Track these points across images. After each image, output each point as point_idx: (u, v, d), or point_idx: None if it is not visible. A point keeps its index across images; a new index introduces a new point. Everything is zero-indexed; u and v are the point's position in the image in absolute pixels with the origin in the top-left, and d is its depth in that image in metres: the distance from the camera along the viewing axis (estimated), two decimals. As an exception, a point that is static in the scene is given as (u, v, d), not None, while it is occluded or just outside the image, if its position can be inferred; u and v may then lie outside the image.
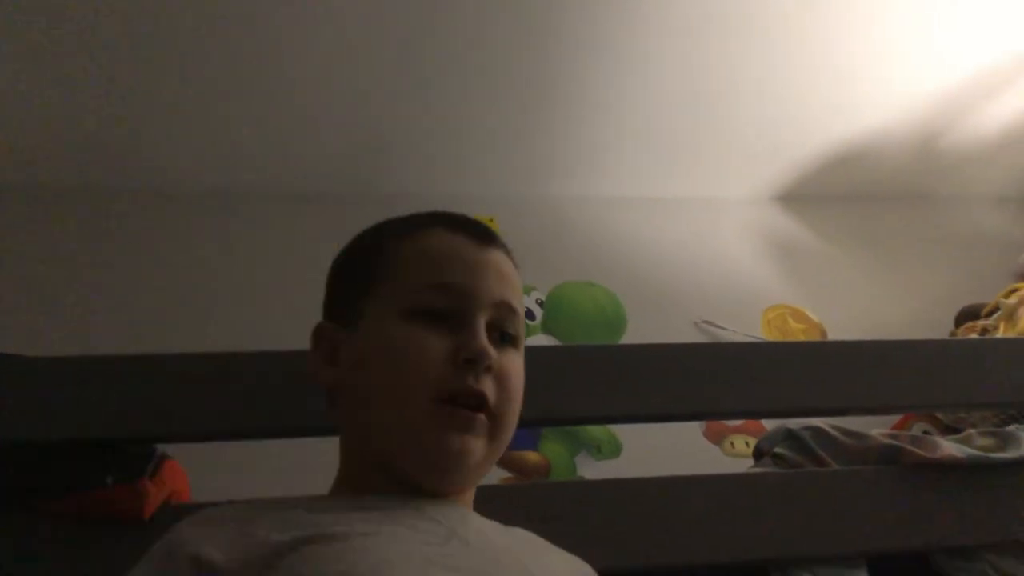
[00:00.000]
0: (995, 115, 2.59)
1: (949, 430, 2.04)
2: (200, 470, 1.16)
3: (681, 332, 2.42)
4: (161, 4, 1.94)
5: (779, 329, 2.50)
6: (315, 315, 0.89)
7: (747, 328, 2.47)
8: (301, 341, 0.90)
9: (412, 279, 0.82)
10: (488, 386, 0.78)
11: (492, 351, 0.78)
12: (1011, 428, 1.25)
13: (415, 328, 0.78)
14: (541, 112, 2.38)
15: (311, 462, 1.00)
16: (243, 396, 1.02)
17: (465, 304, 0.80)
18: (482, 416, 0.77)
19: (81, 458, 0.96)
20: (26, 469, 0.96)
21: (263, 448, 1.12)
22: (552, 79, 2.28)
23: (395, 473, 0.78)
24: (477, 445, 0.77)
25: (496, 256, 0.85)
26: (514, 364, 0.82)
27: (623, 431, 2.22)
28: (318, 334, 0.86)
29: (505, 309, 0.83)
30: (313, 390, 0.88)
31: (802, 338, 2.43)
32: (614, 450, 2.23)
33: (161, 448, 1.03)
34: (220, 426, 1.02)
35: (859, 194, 2.82)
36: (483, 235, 0.86)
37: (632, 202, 2.69)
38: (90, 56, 2.04)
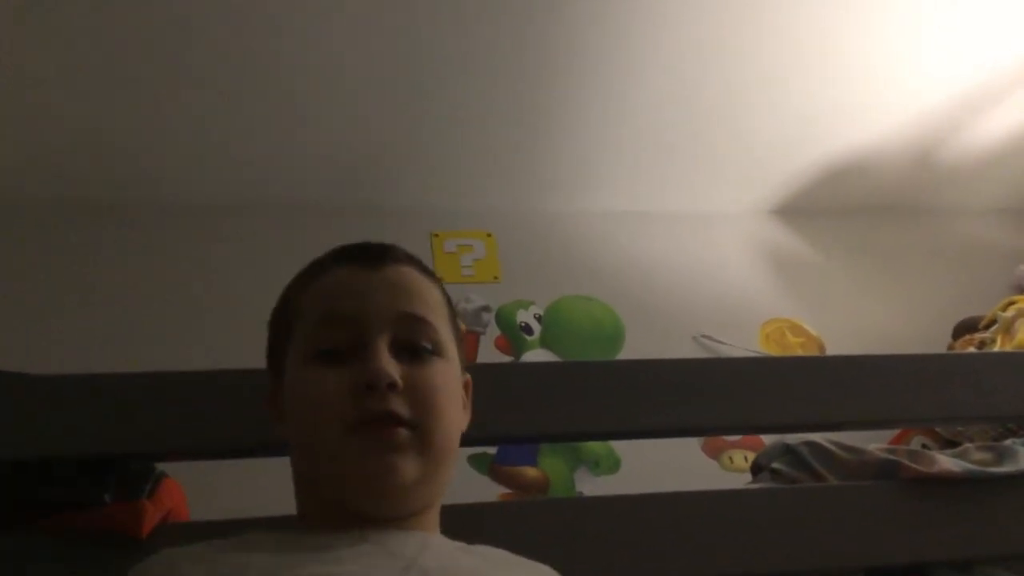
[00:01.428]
0: (991, 127, 2.60)
1: (948, 444, 2.04)
2: (199, 488, 1.16)
3: (679, 346, 2.42)
4: (157, 19, 1.95)
5: (777, 343, 2.50)
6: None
7: (746, 342, 2.47)
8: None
9: (308, 323, 0.83)
10: (397, 403, 0.77)
11: (388, 370, 0.77)
12: (1008, 442, 1.25)
13: (316, 370, 0.79)
14: (538, 127, 2.39)
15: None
16: (242, 414, 1.02)
17: (358, 331, 0.80)
18: (401, 430, 0.76)
19: (80, 476, 0.96)
20: (25, 487, 0.96)
21: (262, 466, 1.11)
22: (549, 94, 2.29)
23: (344, 509, 0.77)
24: (404, 461, 0.76)
25: (391, 273, 0.84)
26: (431, 375, 0.81)
27: (622, 446, 2.22)
28: (267, 402, 0.88)
29: (408, 321, 0.82)
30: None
31: (800, 352, 2.43)
32: (613, 465, 2.23)
33: (159, 466, 1.03)
34: (219, 444, 1.02)
35: (856, 207, 2.82)
36: (374, 257, 0.85)
37: (630, 216, 2.69)
38: (85, 72, 2.05)
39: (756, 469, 1.30)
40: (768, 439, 1.79)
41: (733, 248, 2.72)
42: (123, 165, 2.32)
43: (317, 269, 0.87)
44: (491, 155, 2.47)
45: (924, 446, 2.12)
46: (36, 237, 2.31)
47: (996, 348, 2.26)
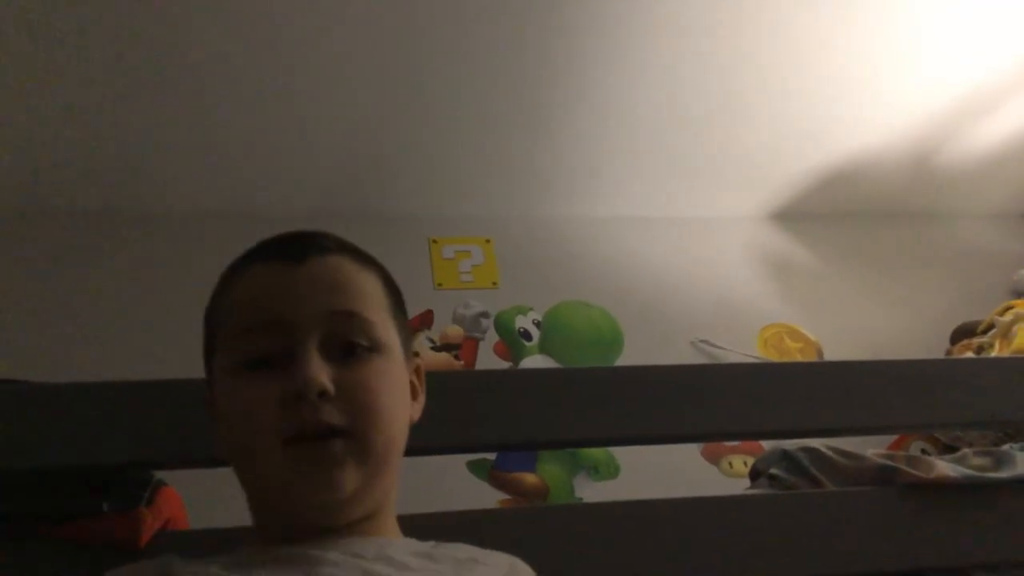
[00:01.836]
0: (989, 132, 2.60)
1: (947, 448, 2.05)
2: (198, 496, 1.16)
3: (678, 351, 2.42)
4: (156, 26, 1.96)
5: (776, 347, 2.50)
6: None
7: (744, 347, 2.48)
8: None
9: (233, 329, 0.79)
10: (329, 412, 0.73)
11: (318, 378, 0.73)
12: (1006, 447, 1.25)
13: (245, 381, 0.76)
14: (537, 132, 2.40)
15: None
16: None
17: (285, 336, 0.75)
18: (335, 441, 0.73)
19: (78, 485, 0.96)
20: (23, 496, 0.96)
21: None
22: (547, 99, 2.30)
23: (292, 520, 0.76)
24: (342, 475, 0.73)
25: (317, 266, 0.79)
26: (367, 376, 0.76)
27: (621, 451, 2.22)
28: (206, 406, 0.84)
29: (340, 318, 0.77)
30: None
31: (799, 356, 2.43)
32: (612, 471, 2.23)
33: (158, 474, 1.03)
34: (219, 452, 1.02)
35: (854, 212, 2.83)
36: (297, 250, 0.80)
37: (628, 222, 2.70)
38: (86, 80, 2.05)
39: (754, 475, 1.29)
40: (767, 444, 1.80)
41: (732, 253, 2.73)
42: (122, 172, 2.32)
43: (239, 267, 0.83)
44: (489, 161, 2.47)
45: (923, 451, 2.13)
46: (36, 245, 2.31)
47: (994, 353, 2.26)
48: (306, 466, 0.73)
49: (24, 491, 0.96)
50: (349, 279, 0.80)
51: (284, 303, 0.77)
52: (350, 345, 0.77)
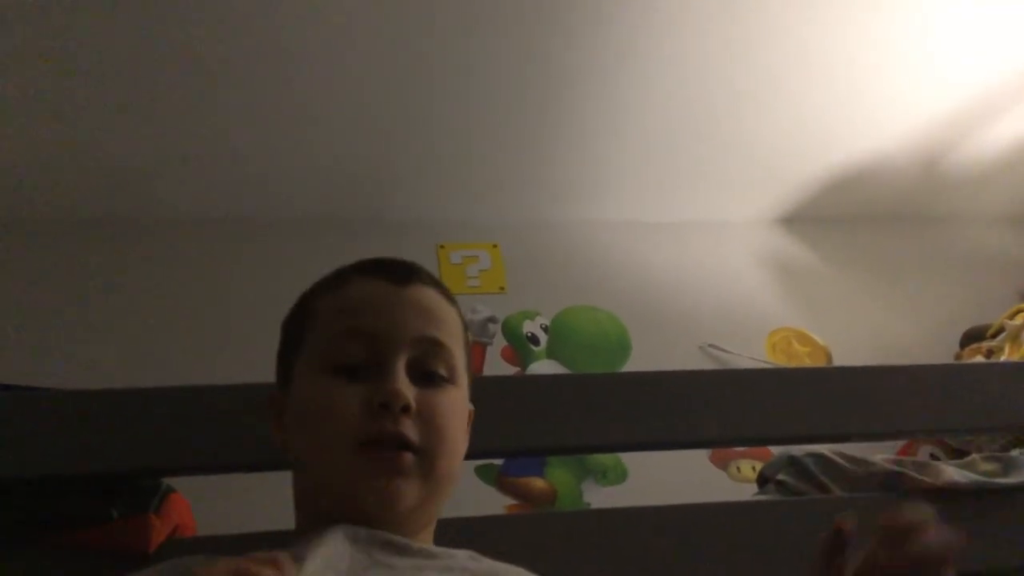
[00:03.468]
0: (998, 135, 2.60)
1: (957, 453, 2.04)
2: (206, 503, 1.17)
3: (686, 356, 2.42)
4: (166, 36, 1.97)
5: (784, 352, 2.50)
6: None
7: (752, 352, 2.47)
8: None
9: (328, 331, 0.83)
10: (408, 427, 0.77)
11: (405, 393, 0.77)
12: (1014, 453, 1.25)
13: (332, 382, 0.79)
14: (543, 138, 2.40)
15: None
16: (249, 428, 1.02)
17: (379, 347, 0.80)
18: (408, 455, 0.77)
19: (87, 492, 0.96)
20: (32, 503, 0.96)
21: (269, 481, 1.12)
22: (554, 105, 2.30)
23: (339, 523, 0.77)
24: (407, 487, 0.76)
25: (417, 292, 0.84)
26: (442, 401, 0.81)
27: (629, 456, 2.22)
28: (268, 402, 0.88)
29: (427, 344, 0.82)
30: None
31: (807, 361, 2.43)
32: (620, 476, 2.23)
33: (166, 481, 1.03)
34: (226, 459, 1.02)
35: (863, 215, 2.82)
36: (402, 274, 0.85)
37: (635, 226, 2.70)
38: (94, 90, 2.06)
39: (762, 481, 1.29)
40: (776, 450, 1.79)
41: (739, 257, 2.72)
42: (133, 180, 2.33)
43: (340, 280, 0.87)
44: (496, 166, 2.47)
45: (932, 456, 2.12)
46: (51, 254, 2.32)
47: (1004, 357, 2.25)
48: (374, 473, 0.76)
49: (33, 498, 0.96)
50: (441, 312, 0.85)
51: (382, 319, 0.81)
52: (432, 373, 0.82)
